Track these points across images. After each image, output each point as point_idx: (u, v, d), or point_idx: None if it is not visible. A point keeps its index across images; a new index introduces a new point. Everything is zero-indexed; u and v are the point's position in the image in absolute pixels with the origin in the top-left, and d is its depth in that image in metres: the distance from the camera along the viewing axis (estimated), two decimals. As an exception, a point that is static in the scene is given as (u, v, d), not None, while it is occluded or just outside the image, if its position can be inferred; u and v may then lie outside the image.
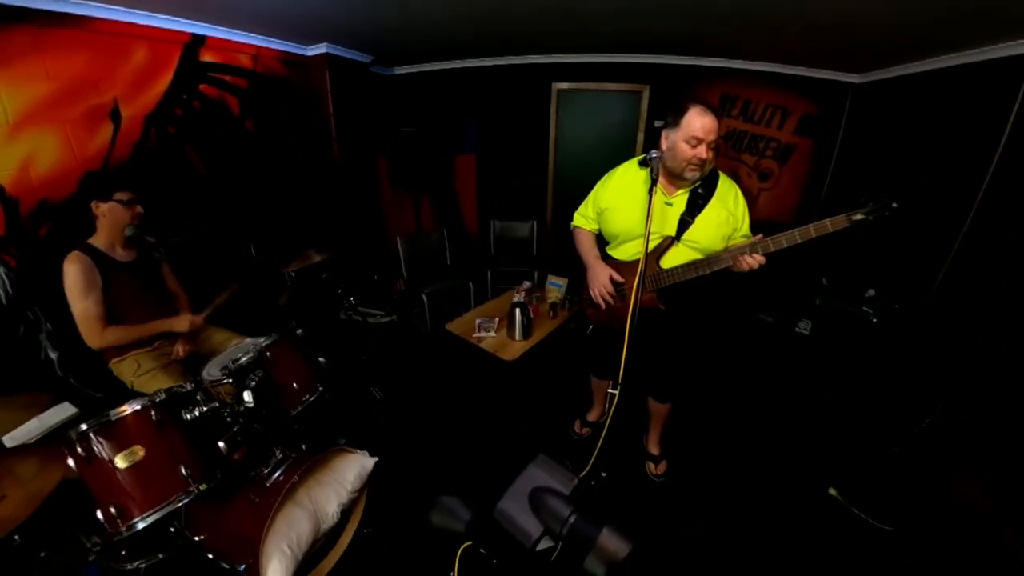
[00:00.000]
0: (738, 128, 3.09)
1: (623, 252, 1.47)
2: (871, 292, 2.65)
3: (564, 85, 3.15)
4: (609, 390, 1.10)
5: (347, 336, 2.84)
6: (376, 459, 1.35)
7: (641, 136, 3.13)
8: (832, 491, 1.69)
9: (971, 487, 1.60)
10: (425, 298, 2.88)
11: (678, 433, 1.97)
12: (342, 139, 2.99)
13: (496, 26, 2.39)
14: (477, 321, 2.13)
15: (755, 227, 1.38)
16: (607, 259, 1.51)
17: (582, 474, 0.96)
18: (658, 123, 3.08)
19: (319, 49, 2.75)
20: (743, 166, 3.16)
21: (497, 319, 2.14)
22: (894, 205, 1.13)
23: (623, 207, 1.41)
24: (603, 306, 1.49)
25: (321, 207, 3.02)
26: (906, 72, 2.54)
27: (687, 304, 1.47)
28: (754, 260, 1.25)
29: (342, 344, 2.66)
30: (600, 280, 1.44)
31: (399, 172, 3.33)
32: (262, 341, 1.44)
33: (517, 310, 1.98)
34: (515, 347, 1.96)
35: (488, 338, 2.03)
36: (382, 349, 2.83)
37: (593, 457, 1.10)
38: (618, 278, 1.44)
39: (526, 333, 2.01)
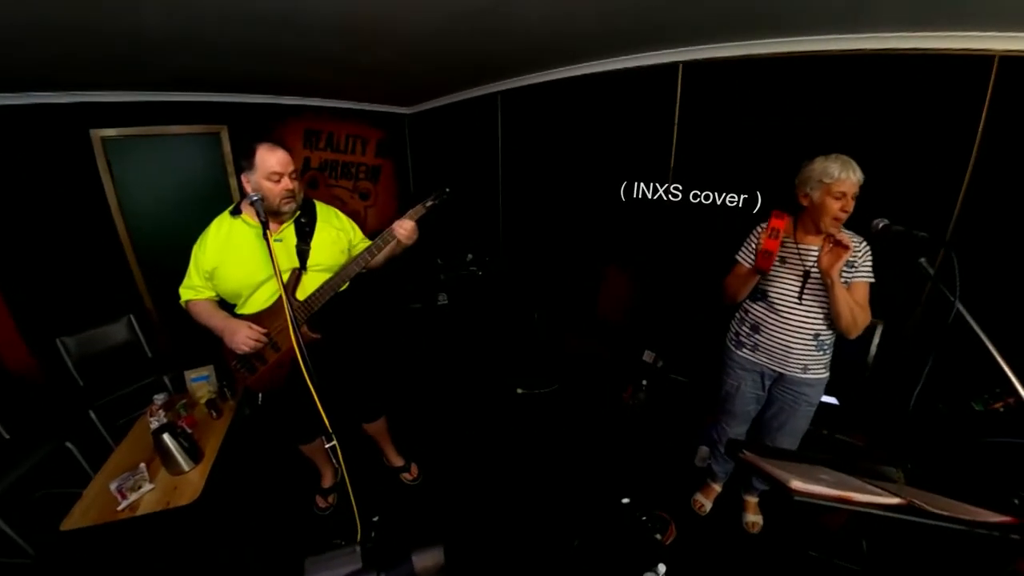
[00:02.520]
0: (329, 158, 3.82)
1: (253, 305, 1.47)
2: (470, 256, 4.14)
3: (110, 132, 2.79)
4: (326, 446, 1.11)
5: None
6: None
7: (234, 181, 3.29)
8: (519, 390, 2.94)
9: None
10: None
11: (406, 434, 2.23)
12: None
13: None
14: (113, 485, 1.56)
15: (372, 237, 1.59)
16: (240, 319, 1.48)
17: (359, 538, 1.06)
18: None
19: None
20: (344, 191, 3.97)
21: (143, 464, 1.66)
22: (448, 190, 1.55)
23: (232, 261, 1.42)
24: (260, 366, 1.48)
25: None
26: (438, 104, 3.88)
27: (340, 323, 1.56)
28: (406, 225, 1.47)
29: None
30: (240, 333, 1.40)
31: None
32: None
33: (165, 436, 1.64)
34: (190, 481, 1.63)
35: (147, 494, 1.58)
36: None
37: (356, 514, 1.13)
38: (260, 329, 1.42)
39: (194, 456, 1.70)
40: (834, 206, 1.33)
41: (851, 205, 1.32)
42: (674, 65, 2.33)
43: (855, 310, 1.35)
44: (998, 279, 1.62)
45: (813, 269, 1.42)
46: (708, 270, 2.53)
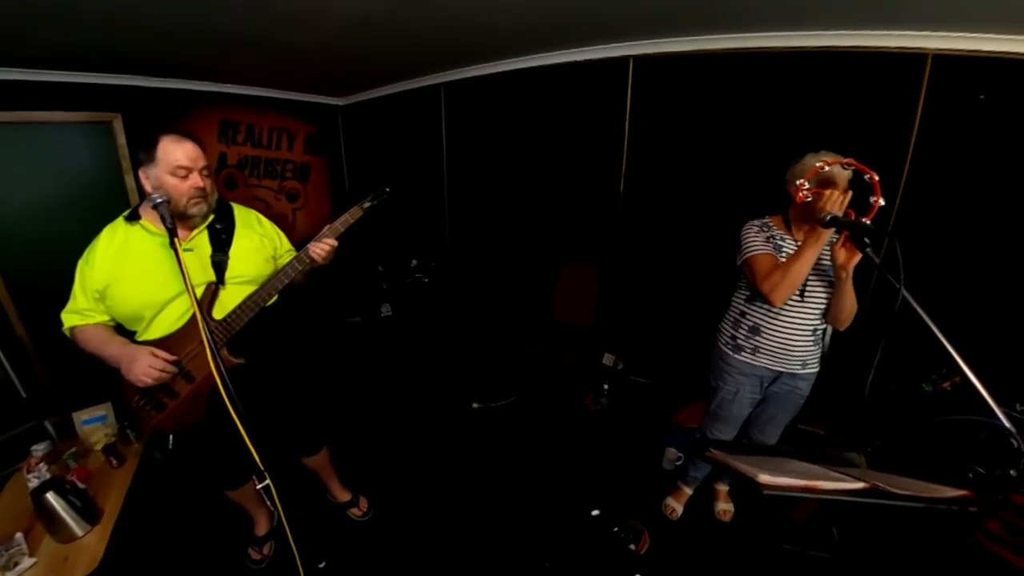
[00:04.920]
0: (250, 154, 3.55)
1: (158, 328, 1.31)
2: (415, 262, 4.02)
3: (-45, 118, 2.37)
4: (258, 487, 1.02)
5: None
6: None
7: (131, 179, 2.96)
8: (475, 404, 2.81)
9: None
10: None
11: (352, 464, 2.12)
12: None
13: None
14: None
15: (302, 243, 1.49)
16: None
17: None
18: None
19: None
20: (268, 191, 3.72)
21: (20, 534, 1.40)
22: (388, 190, 1.48)
23: (129, 277, 1.28)
24: (170, 401, 1.33)
25: None
26: (376, 95, 3.73)
27: (268, 343, 1.46)
28: (326, 244, 1.38)
29: None
30: (141, 362, 1.23)
31: None
32: None
33: (49, 496, 1.40)
34: (86, 547, 1.41)
35: (27, 573, 1.32)
36: None
37: (299, 563, 1.08)
38: (167, 356, 1.27)
39: (90, 516, 1.47)
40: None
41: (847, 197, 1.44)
42: (625, 59, 2.42)
43: (854, 301, 1.46)
44: (938, 265, 1.82)
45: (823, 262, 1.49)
46: (666, 267, 2.66)
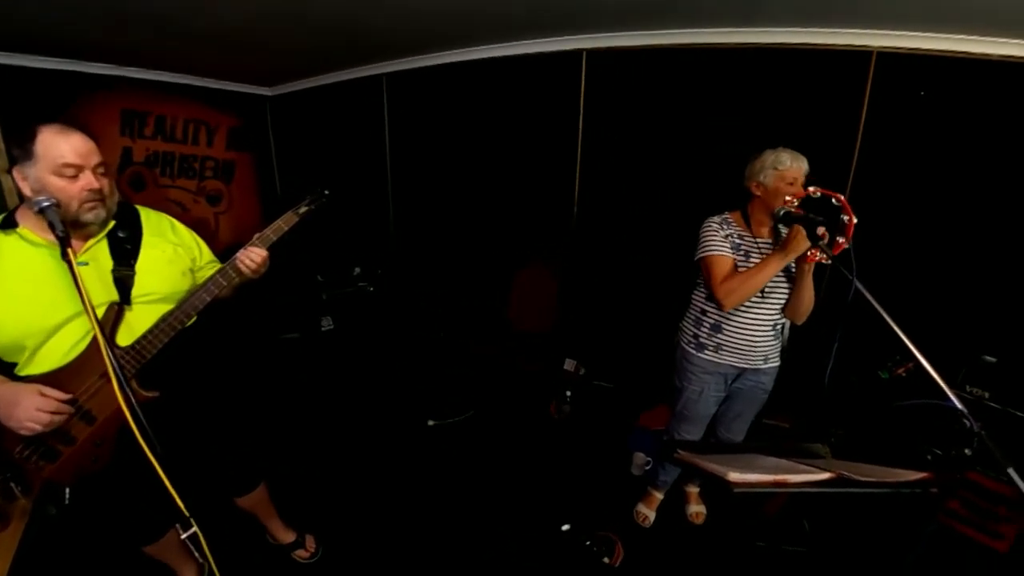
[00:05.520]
0: (161, 150, 3.26)
1: (46, 361, 1.16)
2: (358, 270, 3.85)
3: None
4: (183, 536, 0.94)
5: None
6: None
7: (8, 180, 2.62)
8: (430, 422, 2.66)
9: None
10: None
11: (295, 499, 2.02)
12: None
13: None
14: None
15: (227, 252, 1.40)
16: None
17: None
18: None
19: None
20: (184, 193, 3.43)
21: None
22: (326, 193, 1.42)
23: (4, 296, 1.12)
24: (65, 448, 1.18)
25: None
26: (310, 85, 3.55)
27: (188, 371, 1.37)
28: (256, 254, 1.29)
29: None
30: (26, 404, 1.08)
31: None
32: None
33: None
34: None
35: None
36: None
37: None
38: (60, 394, 1.12)
39: None
40: (787, 191, 1.52)
41: (802, 193, 1.51)
42: (578, 52, 2.47)
43: (812, 298, 1.57)
44: (887, 256, 1.98)
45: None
46: (625, 267, 2.73)
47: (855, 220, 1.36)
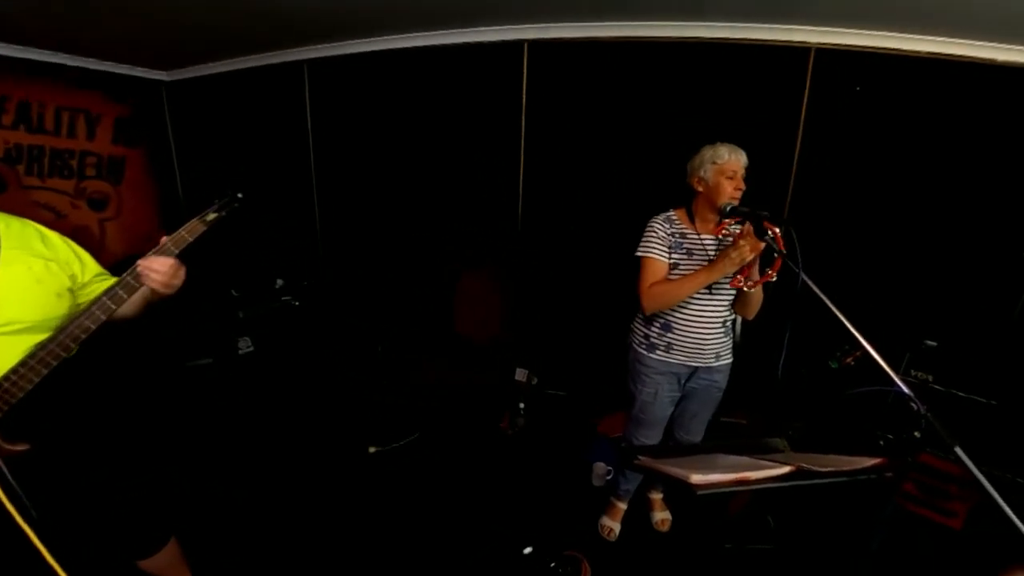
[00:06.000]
0: (27, 143, 2.91)
1: None
2: (280, 282, 3.62)
3: None
4: None
5: None
6: None
7: None
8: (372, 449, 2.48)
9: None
10: None
11: (215, 556, 1.87)
12: None
13: None
14: None
15: (119, 266, 1.30)
16: None
17: None
18: None
19: None
20: (60, 196, 3.08)
21: None
22: (240, 196, 1.35)
23: None
24: None
25: None
26: (218, 70, 3.32)
27: (67, 415, 1.29)
28: (161, 263, 1.16)
29: None
30: None
31: None
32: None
33: None
34: None
35: None
36: None
37: None
38: None
39: None
40: (728, 186, 1.59)
41: (742, 185, 1.61)
42: (519, 43, 2.51)
43: (760, 293, 1.66)
44: (830, 247, 2.16)
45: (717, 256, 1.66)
46: (574, 268, 2.78)
47: (784, 253, 1.45)
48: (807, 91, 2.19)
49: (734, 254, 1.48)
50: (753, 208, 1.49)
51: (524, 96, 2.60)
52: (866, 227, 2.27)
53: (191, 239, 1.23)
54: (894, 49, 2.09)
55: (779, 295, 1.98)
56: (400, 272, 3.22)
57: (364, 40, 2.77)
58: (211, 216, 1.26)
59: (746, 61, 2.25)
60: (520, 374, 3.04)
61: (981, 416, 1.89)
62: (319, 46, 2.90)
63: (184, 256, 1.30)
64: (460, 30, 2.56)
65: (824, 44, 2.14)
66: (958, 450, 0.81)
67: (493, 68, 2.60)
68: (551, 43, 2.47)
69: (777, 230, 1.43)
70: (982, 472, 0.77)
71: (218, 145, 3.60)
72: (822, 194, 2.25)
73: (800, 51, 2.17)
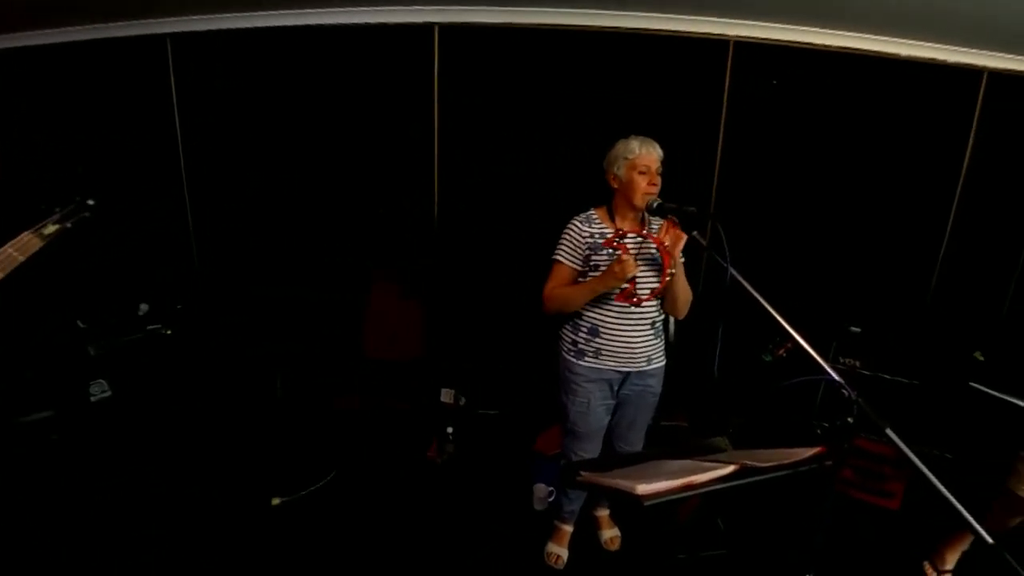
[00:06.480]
0: None
1: None
2: (144, 307, 3.25)
3: None
4: None
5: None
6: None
7: None
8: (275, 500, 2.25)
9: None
10: None
11: None
12: None
13: None
14: None
15: None
16: None
17: None
18: None
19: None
20: None
21: None
22: (90, 203, 1.31)
23: None
24: None
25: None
26: (54, 40, 2.98)
27: None
28: None
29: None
30: None
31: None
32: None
33: None
34: None
35: None
36: None
37: None
38: None
39: None
40: (641, 182, 1.67)
41: (657, 180, 1.69)
42: (429, 26, 2.52)
43: (687, 290, 1.76)
44: (756, 240, 2.38)
45: (640, 255, 1.72)
46: (498, 274, 2.80)
47: (671, 272, 1.64)
48: (727, 84, 2.42)
49: (617, 269, 1.58)
50: (681, 204, 1.58)
51: (436, 83, 2.60)
52: (788, 218, 2.56)
53: (23, 258, 1.13)
54: (808, 43, 2.38)
55: (710, 292, 2.15)
56: (299, 285, 3.07)
57: (244, 14, 2.64)
58: (51, 228, 1.17)
59: (667, 53, 2.43)
60: (446, 395, 3.01)
61: (906, 396, 2.19)
62: (187, 18, 2.72)
63: (12, 279, 1.18)
64: (363, 8, 2.53)
65: (742, 37, 2.38)
66: (889, 432, 0.92)
67: (401, 51, 2.59)
68: (464, 27, 2.50)
69: (695, 232, 1.55)
70: (912, 451, 0.89)
71: (53, 135, 3.24)
72: (745, 187, 2.49)
73: (720, 43, 2.38)
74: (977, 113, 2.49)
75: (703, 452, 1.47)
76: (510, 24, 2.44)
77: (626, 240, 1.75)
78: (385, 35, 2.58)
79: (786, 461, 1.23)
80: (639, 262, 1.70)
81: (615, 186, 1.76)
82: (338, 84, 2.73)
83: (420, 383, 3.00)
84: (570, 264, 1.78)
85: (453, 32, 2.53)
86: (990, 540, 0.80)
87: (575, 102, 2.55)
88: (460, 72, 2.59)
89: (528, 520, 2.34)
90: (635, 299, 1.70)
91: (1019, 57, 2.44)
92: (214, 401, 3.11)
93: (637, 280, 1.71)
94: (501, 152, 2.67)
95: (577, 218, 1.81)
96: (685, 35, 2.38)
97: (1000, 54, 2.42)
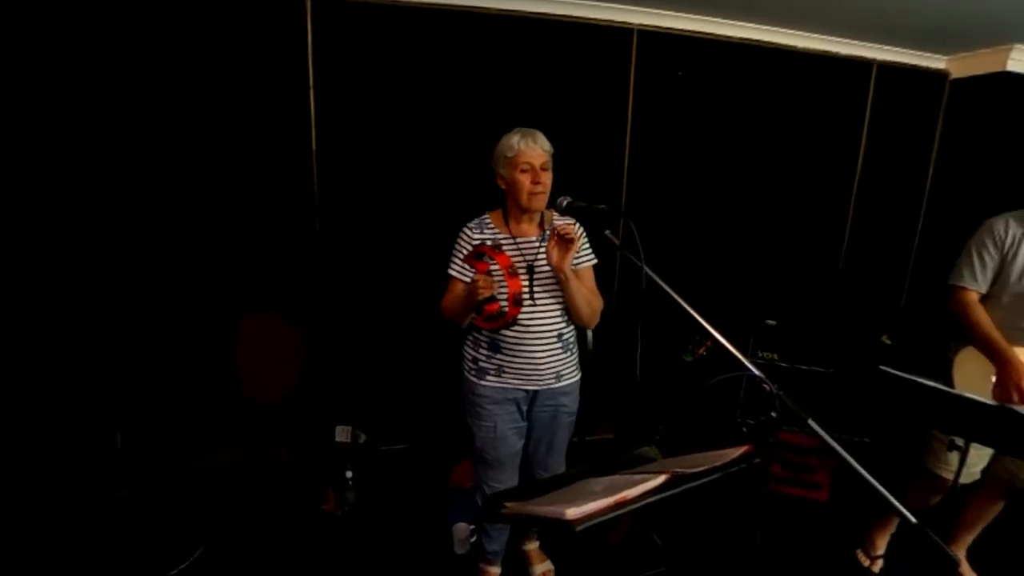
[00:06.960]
0: None
1: None
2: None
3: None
4: None
5: None
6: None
7: None
8: None
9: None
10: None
11: None
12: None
13: None
14: None
15: None
16: None
17: None
18: None
19: None
20: None
21: None
22: None
23: None
24: None
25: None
26: None
27: None
28: None
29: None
30: None
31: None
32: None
33: None
34: None
35: None
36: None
37: None
38: None
39: None
40: (525, 181, 1.65)
41: (544, 177, 1.67)
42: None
43: (590, 299, 1.73)
44: (667, 236, 2.52)
45: (538, 262, 1.73)
46: (390, 285, 2.70)
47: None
48: (633, 75, 2.57)
49: (472, 289, 1.58)
50: (591, 202, 1.59)
51: (311, 65, 2.47)
52: (699, 213, 2.78)
53: None
54: (712, 34, 2.59)
55: (626, 293, 2.24)
56: (142, 317, 2.73)
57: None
58: None
59: (572, 40, 2.52)
60: (341, 433, 2.87)
61: (823, 385, 2.42)
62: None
63: None
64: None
65: (646, 26, 2.54)
66: (811, 422, 0.99)
67: (265, 27, 2.42)
68: (343, 4, 2.41)
69: (607, 232, 1.56)
70: (834, 439, 0.96)
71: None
72: (655, 181, 2.66)
73: (624, 31, 2.53)
74: (869, 104, 2.86)
75: (632, 464, 1.51)
76: (397, 2, 2.40)
77: (505, 249, 1.73)
78: (244, 6, 2.41)
79: (717, 464, 1.30)
80: (522, 273, 1.70)
81: (503, 187, 1.75)
82: (189, 59, 2.47)
83: (308, 422, 2.84)
84: (462, 276, 1.77)
85: (330, 6, 2.43)
86: (914, 520, 0.88)
87: (473, 91, 2.56)
88: (339, 53, 2.50)
89: (450, 566, 2.29)
90: (501, 319, 1.67)
91: (905, 50, 2.83)
92: (32, 471, 2.68)
93: (538, 293, 1.73)
94: (391, 149, 2.59)
95: (469, 224, 1.80)
96: (588, 21, 2.48)
97: (888, 47, 2.79)
